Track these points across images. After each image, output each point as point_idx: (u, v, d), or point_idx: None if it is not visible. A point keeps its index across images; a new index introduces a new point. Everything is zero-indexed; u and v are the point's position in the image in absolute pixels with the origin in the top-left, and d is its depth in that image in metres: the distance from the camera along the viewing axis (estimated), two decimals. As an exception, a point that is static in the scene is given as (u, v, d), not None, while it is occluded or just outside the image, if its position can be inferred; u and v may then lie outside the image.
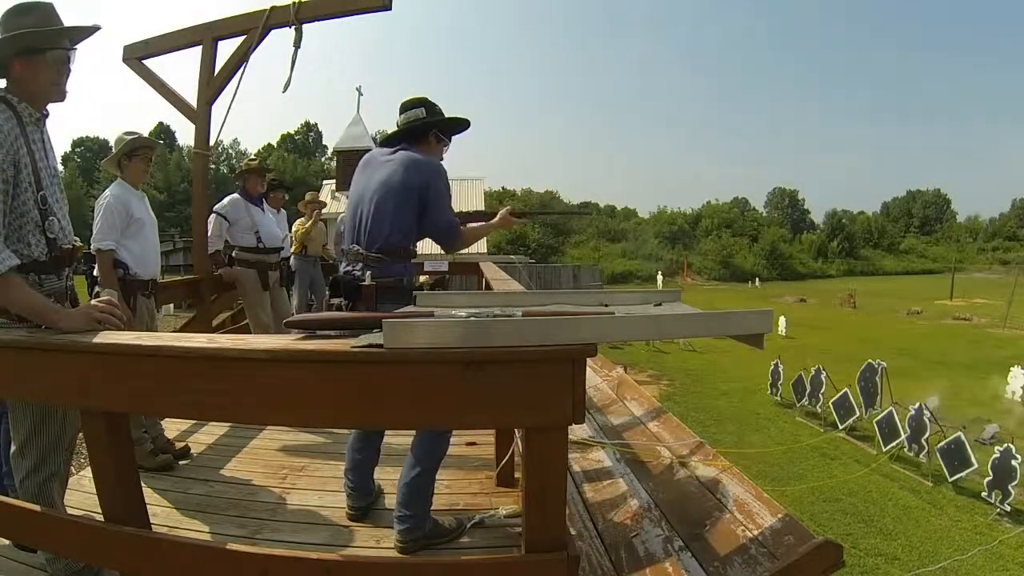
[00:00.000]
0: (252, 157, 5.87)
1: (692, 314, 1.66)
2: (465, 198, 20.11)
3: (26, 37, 1.69)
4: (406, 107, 2.35)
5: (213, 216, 4.26)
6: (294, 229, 5.93)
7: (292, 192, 6.88)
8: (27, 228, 1.70)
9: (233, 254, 4.25)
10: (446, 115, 2.37)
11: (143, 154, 3.08)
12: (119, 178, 3.04)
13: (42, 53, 1.73)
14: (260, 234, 4.22)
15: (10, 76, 1.73)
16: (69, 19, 1.82)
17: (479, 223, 2.64)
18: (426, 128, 2.30)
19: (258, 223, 4.25)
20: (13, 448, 1.82)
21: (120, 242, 2.89)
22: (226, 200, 4.31)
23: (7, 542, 2.00)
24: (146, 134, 3.19)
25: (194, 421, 3.36)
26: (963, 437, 6.39)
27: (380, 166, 2.25)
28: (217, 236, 4.25)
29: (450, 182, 2.28)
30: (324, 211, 6.68)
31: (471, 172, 22.93)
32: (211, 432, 3.35)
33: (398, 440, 3.18)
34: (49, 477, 1.81)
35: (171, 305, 11.69)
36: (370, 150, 2.42)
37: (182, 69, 4.78)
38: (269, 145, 54.49)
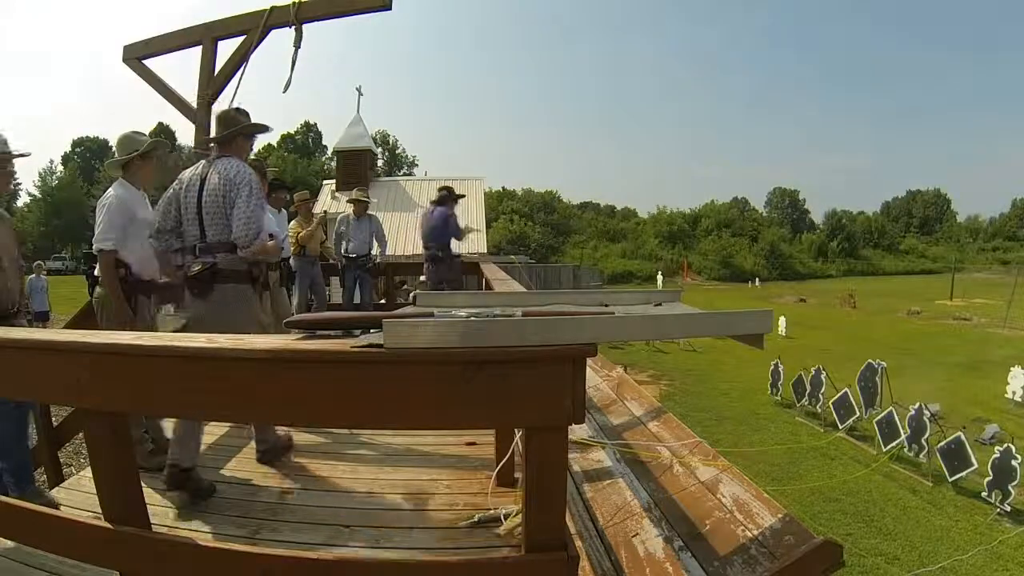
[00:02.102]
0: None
1: (692, 314, 1.66)
2: (465, 198, 20.10)
3: (254, 126, 2.99)
4: (443, 189, 6.52)
5: None
6: (291, 230, 5.93)
7: (292, 192, 6.90)
8: None
9: None
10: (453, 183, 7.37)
11: (155, 155, 3.09)
12: (120, 178, 3.03)
13: (252, 137, 3.05)
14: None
15: (235, 146, 2.91)
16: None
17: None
18: (452, 198, 6.45)
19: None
20: None
21: (122, 243, 2.89)
22: None
23: (7, 542, 2.00)
24: (146, 134, 3.19)
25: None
26: (963, 437, 6.39)
27: (434, 216, 6.34)
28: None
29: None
30: (327, 210, 6.89)
31: (471, 172, 22.97)
32: (211, 432, 3.35)
33: (398, 440, 3.18)
34: None
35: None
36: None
37: (183, 69, 4.78)
38: (269, 145, 54.45)
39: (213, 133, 3.00)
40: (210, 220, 2.76)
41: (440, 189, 6.51)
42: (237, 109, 3.00)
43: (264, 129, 3.08)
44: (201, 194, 2.77)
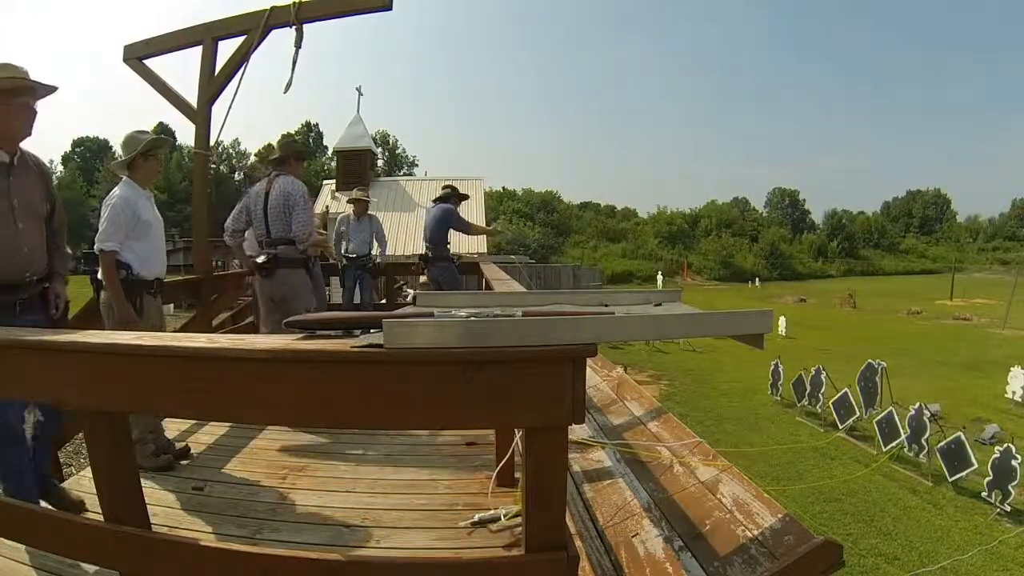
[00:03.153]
0: (271, 146, 6.31)
1: (692, 314, 1.66)
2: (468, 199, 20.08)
3: (302, 152, 4.07)
4: (446, 187, 6.38)
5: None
6: None
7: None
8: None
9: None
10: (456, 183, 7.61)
11: (158, 153, 3.07)
12: (126, 178, 2.99)
13: (303, 159, 4.04)
14: None
15: (289, 166, 3.85)
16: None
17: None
18: (453, 197, 6.26)
19: None
20: None
21: (124, 243, 2.85)
22: None
23: (7, 542, 2.00)
24: (149, 132, 3.16)
25: (194, 421, 3.36)
26: (963, 437, 6.38)
27: (430, 214, 6.20)
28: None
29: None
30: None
31: (471, 172, 22.95)
32: (211, 432, 3.35)
33: (398, 440, 3.19)
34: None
35: (171, 305, 11.68)
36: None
37: (183, 69, 4.78)
38: (269, 145, 54.35)
39: (274, 157, 4.00)
40: (274, 222, 3.71)
41: (444, 187, 6.43)
42: (293, 139, 4.23)
43: (310, 154, 4.62)
44: (267, 203, 3.70)
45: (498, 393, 1.26)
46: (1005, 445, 6.08)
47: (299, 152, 3.99)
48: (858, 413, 8.22)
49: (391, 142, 59.38)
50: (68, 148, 54.12)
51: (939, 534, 5.53)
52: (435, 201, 6.34)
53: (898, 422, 7.17)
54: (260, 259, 3.72)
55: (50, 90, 2.41)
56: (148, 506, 1.58)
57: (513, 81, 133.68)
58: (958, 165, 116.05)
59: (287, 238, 3.70)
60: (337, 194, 17.85)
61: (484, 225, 16.79)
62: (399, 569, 1.51)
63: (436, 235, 6.07)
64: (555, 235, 47.12)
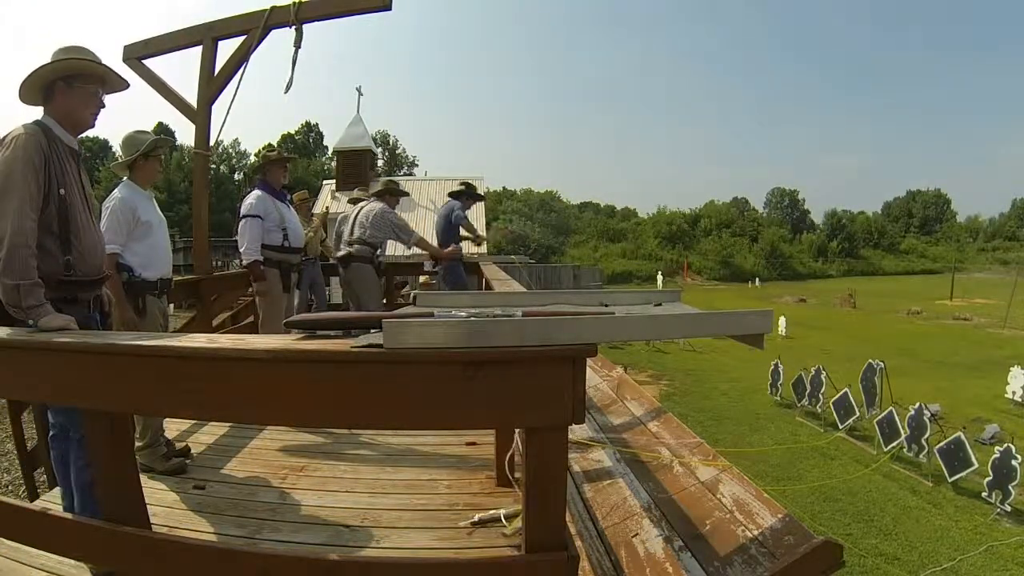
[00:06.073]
0: (272, 146, 6.03)
1: (692, 314, 1.66)
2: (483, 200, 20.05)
3: (400, 190, 5.50)
4: (463, 184, 6.52)
5: (247, 221, 3.88)
6: None
7: (292, 191, 6.91)
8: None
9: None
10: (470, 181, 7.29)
11: (159, 153, 3.05)
12: (126, 179, 2.97)
13: (397, 195, 5.51)
14: (288, 232, 4.03)
15: (384, 200, 5.21)
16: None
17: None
18: (463, 194, 6.33)
19: (287, 220, 4.04)
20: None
21: (125, 245, 2.83)
22: (252, 199, 3.94)
23: (7, 542, 2.00)
24: (149, 132, 3.15)
25: (194, 421, 3.36)
26: (963, 437, 6.38)
27: (441, 208, 6.44)
28: (257, 241, 3.87)
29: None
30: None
31: (471, 172, 22.89)
32: (211, 432, 3.35)
33: (398, 440, 3.18)
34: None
35: (171, 305, 11.65)
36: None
37: (183, 69, 4.78)
38: (269, 145, 54.24)
39: (374, 188, 5.42)
40: (354, 228, 4.94)
41: (459, 184, 6.56)
42: (390, 179, 5.48)
43: (401, 193, 5.49)
44: (356, 216, 5.04)
45: (498, 393, 1.26)
46: (1005, 445, 6.09)
47: (392, 191, 5.33)
48: (858, 413, 8.22)
49: (391, 142, 59.32)
50: (68, 148, 54.06)
51: (939, 534, 5.54)
52: (449, 196, 6.50)
53: (898, 422, 7.18)
54: (340, 253, 4.92)
55: (123, 84, 2.25)
56: (148, 506, 1.58)
57: (513, 81, 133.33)
58: (958, 165, 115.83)
59: (361, 239, 4.86)
60: (337, 194, 17.82)
61: (476, 228, 16.68)
62: (399, 569, 1.51)
63: (440, 233, 6.19)
64: (555, 235, 47.10)
